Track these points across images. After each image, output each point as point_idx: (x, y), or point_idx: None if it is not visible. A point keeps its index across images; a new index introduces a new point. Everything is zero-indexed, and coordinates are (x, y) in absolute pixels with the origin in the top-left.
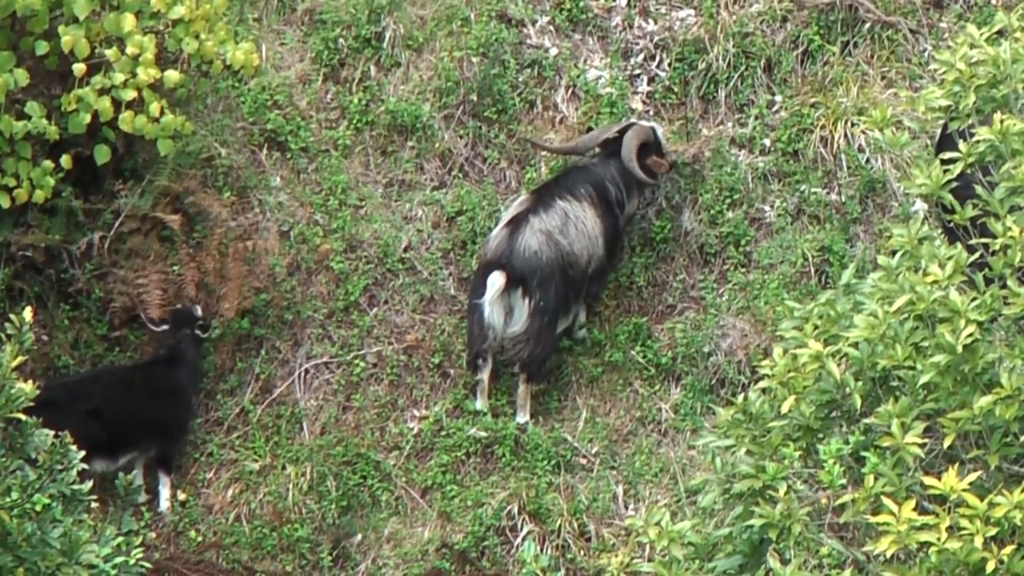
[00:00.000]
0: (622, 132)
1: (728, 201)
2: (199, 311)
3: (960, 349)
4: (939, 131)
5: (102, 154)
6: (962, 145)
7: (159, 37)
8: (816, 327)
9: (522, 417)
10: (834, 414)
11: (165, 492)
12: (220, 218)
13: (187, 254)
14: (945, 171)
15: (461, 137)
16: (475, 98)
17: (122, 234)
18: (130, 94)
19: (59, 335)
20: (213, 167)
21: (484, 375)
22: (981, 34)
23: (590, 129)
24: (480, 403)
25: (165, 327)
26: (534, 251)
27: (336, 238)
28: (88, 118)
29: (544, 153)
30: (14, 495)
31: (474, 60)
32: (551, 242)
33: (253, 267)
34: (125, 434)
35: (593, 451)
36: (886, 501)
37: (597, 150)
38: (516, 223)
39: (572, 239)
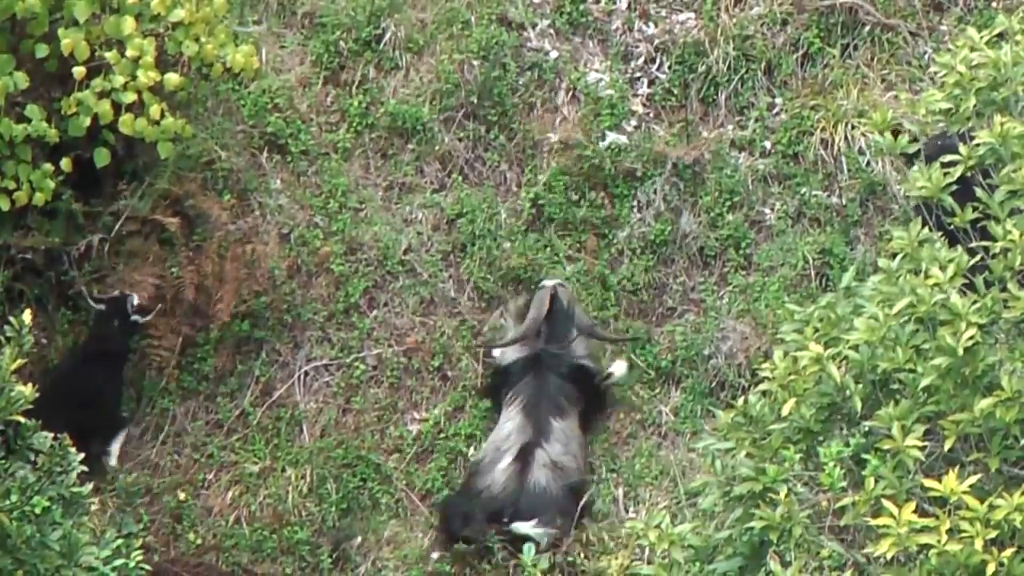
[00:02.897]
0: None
1: (728, 204)
2: (135, 300)
3: (961, 352)
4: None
5: (102, 157)
6: (962, 148)
7: (159, 40)
8: (816, 330)
9: None
10: (834, 417)
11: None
12: (220, 221)
13: (186, 257)
14: (945, 174)
15: (461, 140)
16: (475, 101)
17: (122, 237)
18: (130, 97)
19: (58, 338)
20: (213, 170)
21: None
22: (981, 37)
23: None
24: None
25: (101, 308)
26: (543, 487)
27: (336, 241)
28: (88, 121)
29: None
30: (13, 497)
31: (474, 63)
32: (557, 471)
33: (253, 270)
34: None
35: (593, 454)
36: (886, 504)
37: (544, 329)
38: (523, 458)
39: (574, 453)
